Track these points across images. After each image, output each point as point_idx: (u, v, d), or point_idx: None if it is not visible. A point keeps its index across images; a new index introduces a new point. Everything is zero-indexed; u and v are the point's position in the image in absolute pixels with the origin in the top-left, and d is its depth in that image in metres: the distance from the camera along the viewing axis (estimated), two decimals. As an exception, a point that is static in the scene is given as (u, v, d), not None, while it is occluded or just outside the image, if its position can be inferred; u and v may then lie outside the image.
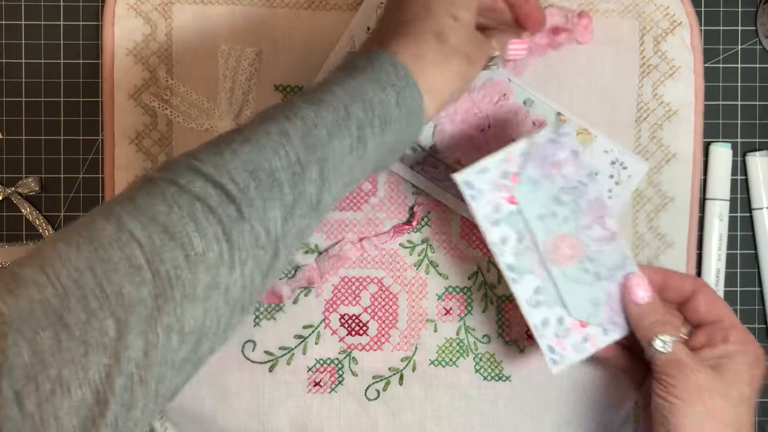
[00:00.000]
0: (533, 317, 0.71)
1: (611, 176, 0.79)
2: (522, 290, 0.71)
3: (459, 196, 0.75)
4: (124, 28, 0.80)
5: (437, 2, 0.65)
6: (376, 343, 0.81)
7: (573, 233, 0.71)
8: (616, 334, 0.71)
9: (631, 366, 0.74)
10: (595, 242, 0.71)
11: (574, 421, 0.81)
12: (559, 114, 0.79)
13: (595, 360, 0.75)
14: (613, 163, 0.79)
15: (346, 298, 0.81)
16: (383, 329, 0.81)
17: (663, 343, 0.67)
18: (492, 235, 0.70)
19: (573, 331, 0.71)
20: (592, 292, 0.71)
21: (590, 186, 0.70)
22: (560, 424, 0.81)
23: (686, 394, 0.65)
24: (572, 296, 0.71)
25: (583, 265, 0.70)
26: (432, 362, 0.82)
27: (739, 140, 0.83)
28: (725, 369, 0.67)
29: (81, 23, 0.82)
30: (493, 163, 0.69)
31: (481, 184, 0.70)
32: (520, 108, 0.79)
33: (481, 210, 0.70)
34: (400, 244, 0.81)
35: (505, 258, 0.70)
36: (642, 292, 0.70)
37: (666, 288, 0.73)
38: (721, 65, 0.83)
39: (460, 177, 0.70)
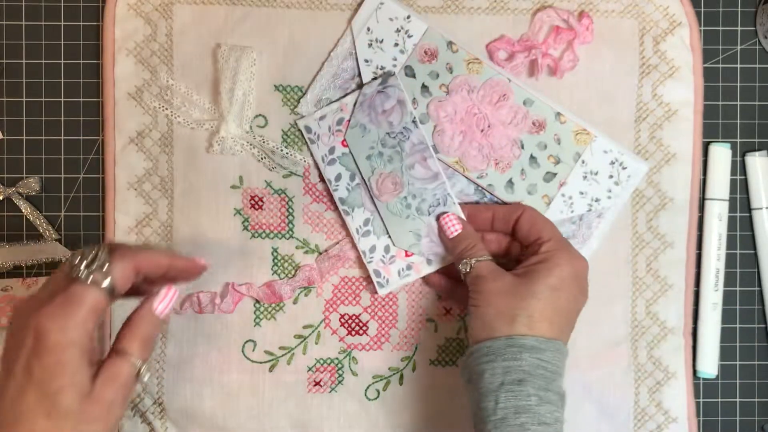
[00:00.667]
0: (362, 244, 0.81)
1: (611, 176, 0.79)
2: (353, 221, 0.80)
3: (460, 197, 0.77)
4: (125, 29, 0.80)
5: (29, 394, 0.58)
6: (376, 342, 0.81)
7: (397, 172, 0.79)
8: (438, 264, 0.80)
9: (460, 292, 0.78)
10: (419, 180, 0.79)
11: (573, 421, 0.81)
12: (559, 114, 0.79)
13: (430, 287, 0.82)
14: (612, 163, 0.79)
15: (346, 298, 0.81)
16: (383, 329, 0.81)
17: (465, 265, 0.74)
18: (327, 173, 0.80)
19: (398, 258, 0.80)
20: (414, 225, 0.79)
21: (414, 132, 0.79)
22: (560, 423, 0.81)
23: (482, 300, 0.71)
24: (395, 228, 0.80)
25: (405, 200, 0.79)
26: (432, 362, 0.82)
27: (738, 140, 0.83)
28: (526, 274, 0.72)
29: (81, 24, 0.82)
30: (330, 111, 0.80)
31: (319, 130, 0.80)
32: (519, 108, 0.79)
33: (318, 151, 0.80)
34: (399, 244, 0.81)
35: (338, 193, 0.80)
36: (452, 228, 0.77)
37: (495, 219, 0.78)
38: (720, 65, 0.83)
39: (300, 122, 0.80)
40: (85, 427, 0.59)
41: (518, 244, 0.77)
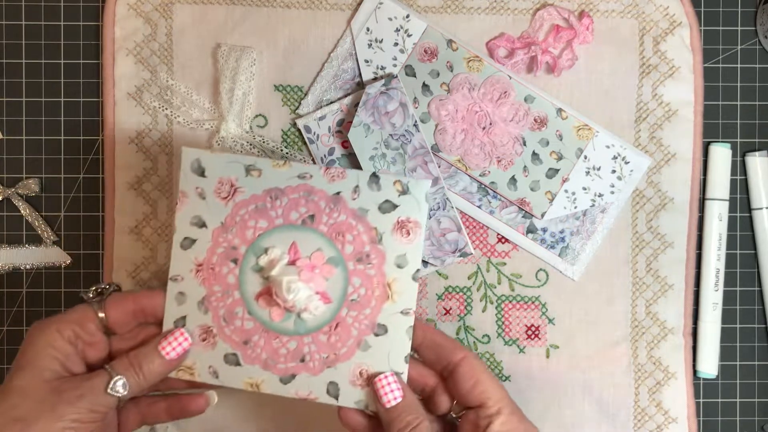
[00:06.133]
0: None
1: (613, 171, 0.79)
2: None
3: (463, 195, 0.78)
4: (125, 29, 0.80)
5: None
6: (376, 342, 0.81)
7: (401, 174, 0.78)
8: (436, 266, 0.80)
9: None
10: None
11: (573, 421, 0.81)
12: (560, 110, 0.79)
13: (344, 425, 0.70)
14: (615, 158, 0.79)
15: (347, 298, 0.81)
16: (383, 329, 0.81)
17: None
18: None
19: None
20: None
21: (416, 135, 0.78)
22: (560, 424, 0.81)
23: None
24: None
25: None
26: (432, 362, 0.82)
27: (738, 140, 0.83)
28: None
29: (81, 23, 0.82)
30: (329, 111, 0.79)
31: (318, 130, 0.80)
32: (521, 105, 0.79)
33: (317, 152, 0.80)
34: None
35: None
36: (389, 395, 0.65)
37: (424, 345, 0.68)
38: (720, 65, 0.83)
39: (300, 122, 0.80)
40: (32, 405, 0.60)
41: (441, 385, 0.68)
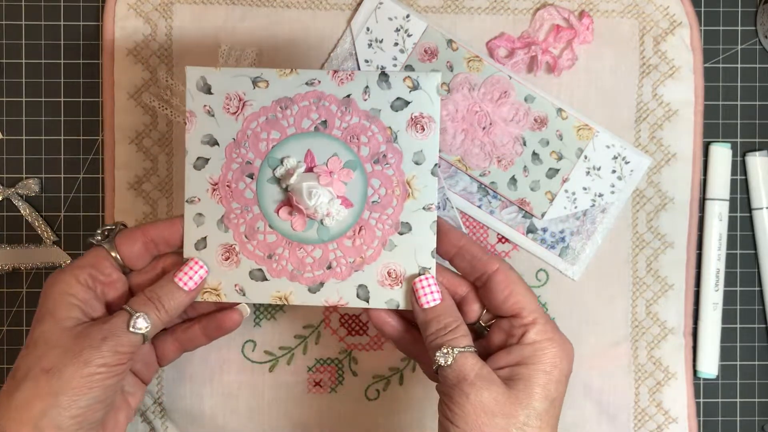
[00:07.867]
0: None
1: (613, 171, 0.79)
2: None
3: (463, 195, 0.77)
4: (125, 29, 0.80)
5: (27, 358, 0.62)
6: (376, 342, 0.81)
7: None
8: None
9: (414, 344, 0.69)
10: None
11: (573, 421, 0.81)
12: (560, 110, 0.79)
13: (376, 327, 0.70)
14: (615, 158, 0.79)
15: (347, 298, 0.81)
16: (383, 329, 0.81)
17: (444, 355, 0.61)
18: None
19: None
20: None
21: None
22: (560, 424, 0.81)
23: (464, 420, 0.59)
24: None
25: None
26: (432, 362, 0.82)
27: (738, 140, 0.83)
28: (517, 381, 0.60)
29: (81, 23, 0.82)
30: None
31: None
32: (521, 105, 0.79)
33: None
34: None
35: None
36: (428, 296, 0.65)
37: (459, 253, 0.67)
38: (721, 65, 0.83)
39: None
40: (57, 354, 0.61)
41: (472, 294, 0.68)
